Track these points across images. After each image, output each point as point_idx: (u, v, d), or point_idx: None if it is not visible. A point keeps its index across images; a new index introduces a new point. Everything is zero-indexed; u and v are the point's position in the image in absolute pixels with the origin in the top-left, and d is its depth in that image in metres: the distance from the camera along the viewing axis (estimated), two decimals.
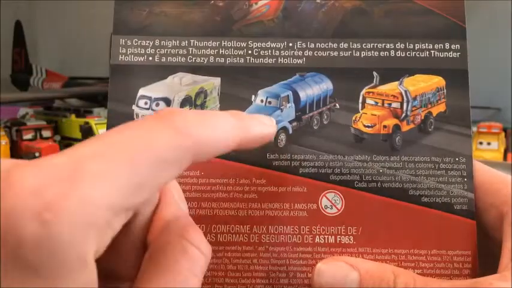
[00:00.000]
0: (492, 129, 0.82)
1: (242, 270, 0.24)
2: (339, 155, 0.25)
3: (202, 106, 0.26)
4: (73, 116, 0.79)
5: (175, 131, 0.16)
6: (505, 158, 0.81)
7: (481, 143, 0.82)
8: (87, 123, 0.77)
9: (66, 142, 0.78)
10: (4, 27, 1.15)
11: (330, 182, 0.25)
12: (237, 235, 0.24)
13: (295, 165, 0.25)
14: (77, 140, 0.78)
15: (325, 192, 0.25)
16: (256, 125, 0.21)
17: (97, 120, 0.78)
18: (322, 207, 0.25)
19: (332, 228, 0.25)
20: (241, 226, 0.24)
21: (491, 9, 1.01)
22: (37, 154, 0.73)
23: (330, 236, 0.25)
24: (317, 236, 0.24)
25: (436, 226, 0.24)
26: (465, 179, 0.25)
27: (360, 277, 0.22)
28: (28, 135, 0.76)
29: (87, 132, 0.77)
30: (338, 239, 0.25)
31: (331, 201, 0.25)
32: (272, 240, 0.24)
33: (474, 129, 0.83)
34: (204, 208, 0.25)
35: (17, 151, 0.74)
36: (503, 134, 0.82)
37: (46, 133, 0.77)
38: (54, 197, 0.12)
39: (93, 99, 0.96)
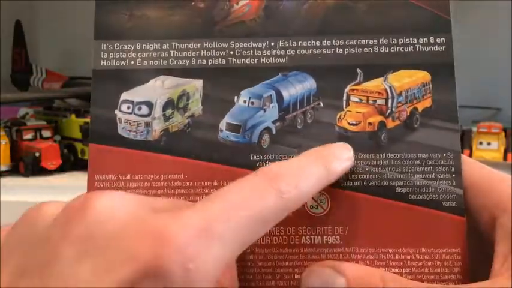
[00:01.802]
0: (492, 129, 0.82)
1: None
2: None
3: (185, 109, 0.25)
4: (73, 116, 0.79)
5: (281, 195, 0.19)
6: (505, 158, 0.81)
7: (481, 143, 0.82)
8: (87, 123, 0.77)
9: (66, 142, 0.78)
10: (4, 27, 1.15)
11: None
12: None
13: None
14: (77, 140, 0.78)
15: None
16: (339, 165, 0.23)
17: None
18: (307, 208, 0.24)
19: (318, 229, 0.24)
20: None
21: (491, 9, 1.01)
22: (37, 154, 0.73)
23: (316, 237, 0.24)
24: (303, 237, 0.24)
25: (424, 224, 0.24)
26: (453, 175, 0.24)
27: (347, 283, 0.22)
28: (28, 135, 0.75)
29: (87, 132, 0.77)
30: (325, 239, 0.24)
31: (317, 201, 0.24)
32: (258, 242, 0.23)
33: (474, 129, 0.83)
34: None
35: (17, 151, 0.74)
36: (503, 134, 0.82)
37: (46, 133, 0.77)
38: (195, 252, 0.17)
39: None
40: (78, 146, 0.78)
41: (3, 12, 1.11)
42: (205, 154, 0.25)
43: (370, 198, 0.24)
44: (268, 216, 0.19)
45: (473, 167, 0.25)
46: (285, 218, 0.23)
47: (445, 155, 0.25)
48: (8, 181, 0.71)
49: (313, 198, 0.24)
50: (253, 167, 0.24)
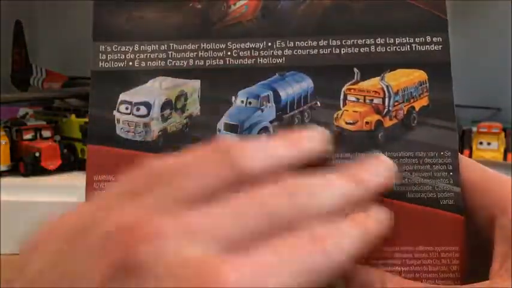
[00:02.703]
0: (492, 129, 0.82)
1: None
2: None
3: (183, 109, 0.25)
4: (73, 116, 0.79)
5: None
6: (505, 158, 0.81)
7: (481, 143, 0.82)
8: (87, 123, 0.77)
9: (66, 142, 0.78)
10: (4, 27, 1.15)
11: None
12: None
13: None
14: (77, 140, 0.78)
15: None
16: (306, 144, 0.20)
17: None
18: None
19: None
20: None
21: (492, 9, 1.01)
22: (37, 154, 0.73)
23: None
24: None
25: (422, 222, 0.24)
26: (451, 173, 0.24)
27: (346, 284, 0.22)
28: (28, 135, 0.75)
29: (87, 132, 0.77)
30: None
31: None
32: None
33: (474, 129, 0.83)
34: None
35: (17, 151, 0.74)
36: (503, 134, 0.82)
37: (46, 133, 0.77)
38: None
39: None
40: (78, 146, 0.78)
41: (3, 12, 1.11)
42: None
43: None
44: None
45: (472, 167, 0.25)
46: None
47: (442, 153, 0.25)
48: (8, 181, 0.71)
49: None
50: None
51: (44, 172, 0.74)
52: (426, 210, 0.24)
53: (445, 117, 0.25)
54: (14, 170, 0.74)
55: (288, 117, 0.26)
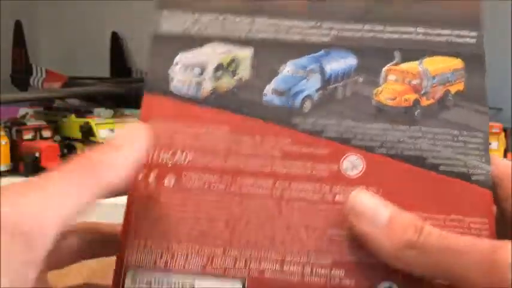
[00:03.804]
0: (492, 129, 0.82)
1: (263, 221, 0.25)
2: (361, 122, 0.27)
3: (234, 73, 0.28)
4: (73, 116, 0.79)
5: None
6: (505, 157, 0.81)
7: None
8: (87, 123, 0.77)
9: (66, 142, 0.78)
10: (4, 27, 1.15)
11: (352, 146, 0.26)
12: (261, 188, 0.26)
13: (319, 129, 0.27)
14: (77, 140, 0.78)
15: (347, 155, 0.26)
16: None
17: (97, 120, 0.78)
18: (343, 169, 0.26)
19: (352, 188, 0.26)
20: (265, 180, 0.26)
21: (492, 9, 1.01)
22: (37, 154, 0.73)
23: (350, 195, 0.26)
24: (337, 195, 0.26)
25: (454, 193, 0.26)
26: (482, 152, 0.26)
27: (390, 216, 0.23)
28: (28, 135, 0.76)
29: (87, 132, 0.77)
30: None
31: (353, 163, 0.26)
32: (294, 195, 0.26)
33: None
34: (230, 161, 0.26)
35: (17, 151, 0.74)
36: (503, 134, 0.82)
37: (46, 133, 0.77)
38: None
39: (93, 99, 0.96)
40: (78, 146, 0.78)
41: (3, 12, 1.11)
42: (250, 112, 0.27)
43: (404, 165, 0.26)
44: None
45: (501, 162, 0.26)
46: (321, 177, 0.26)
47: (474, 133, 0.26)
48: (8, 181, 0.71)
49: (348, 160, 0.26)
50: (295, 128, 0.27)
51: (44, 172, 0.74)
52: (458, 182, 0.26)
53: (478, 101, 0.27)
54: (14, 170, 0.74)
55: (331, 88, 0.28)
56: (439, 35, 0.28)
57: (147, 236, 0.26)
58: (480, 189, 0.25)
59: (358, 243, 0.25)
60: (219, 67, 0.28)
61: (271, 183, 0.26)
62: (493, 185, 0.25)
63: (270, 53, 0.28)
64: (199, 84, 0.28)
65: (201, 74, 0.28)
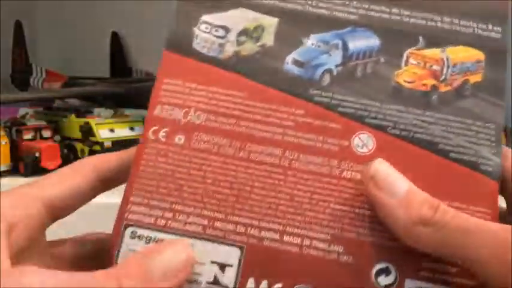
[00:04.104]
0: None
1: (268, 189, 0.26)
2: (377, 101, 0.27)
3: (258, 39, 0.28)
4: (73, 116, 0.79)
5: None
6: None
7: None
8: (87, 123, 0.77)
9: (66, 142, 0.78)
10: (4, 27, 1.15)
11: (365, 124, 0.27)
12: (269, 156, 0.26)
13: (334, 103, 0.27)
14: (77, 140, 0.78)
15: (359, 132, 0.27)
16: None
17: (97, 120, 0.78)
18: (353, 145, 0.26)
19: (360, 166, 0.26)
20: (274, 148, 0.26)
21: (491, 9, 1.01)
22: (37, 154, 0.73)
23: (357, 173, 0.26)
24: (345, 171, 0.26)
25: (461, 181, 0.26)
26: (493, 144, 0.26)
27: (408, 189, 0.23)
28: (28, 135, 0.75)
29: (87, 132, 0.77)
30: None
31: (363, 141, 0.27)
32: (302, 166, 0.26)
33: None
34: (242, 126, 0.27)
35: (17, 151, 0.74)
36: (503, 134, 0.82)
37: (46, 133, 0.77)
38: None
39: (93, 99, 0.96)
40: (78, 146, 0.78)
41: (3, 12, 1.11)
42: (269, 79, 0.27)
43: (414, 148, 0.26)
44: None
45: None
46: (330, 150, 0.26)
47: (487, 124, 0.27)
48: (8, 181, 0.71)
49: (360, 137, 0.26)
50: (310, 99, 0.27)
51: (44, 172, 0.74)
52: (466, 171, 0.26)
53: (496, 94, 0.27)
54: (14, 170, 0.74)
55: (352, 65, 0.28)
56: (465, 26, 0.28)
57: (151, 193, 0.26)
58: (487, 180, 0.26)
59: (359, 221, 0.25)
60: (243, 32, 0.28)
61: (281, 152, 0.26)
62: (505, 179, 0.26)
63: (296, 24, 0.28)
64: (221, 46, 0.28)
65: (225, 36, 0.28)
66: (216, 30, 0.28)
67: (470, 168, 0.26)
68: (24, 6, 1.19)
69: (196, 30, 0.28)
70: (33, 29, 1.20)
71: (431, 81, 0.28)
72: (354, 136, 0.26)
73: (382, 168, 0.24)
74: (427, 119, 0.27)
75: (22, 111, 0.93)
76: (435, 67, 0.28)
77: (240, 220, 0.25)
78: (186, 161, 0.26)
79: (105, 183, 0.27)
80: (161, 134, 0.27)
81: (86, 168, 0.27)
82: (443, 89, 0.28)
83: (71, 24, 1.21)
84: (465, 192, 0.26)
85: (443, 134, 0.26)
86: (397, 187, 0.23)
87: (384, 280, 0.24)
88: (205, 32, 0.28)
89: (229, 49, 0.28)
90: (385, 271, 0.25)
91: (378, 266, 0.25)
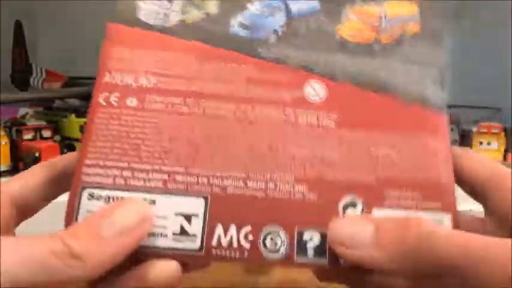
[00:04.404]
0: (492, 129, 0.82)
1: (226, 140, 0.26)
2: (324, 53, 0.28)
3: (202, 7, 0.29)
4: (73, 116, 0.79)
5: None
6: (505, 158, 0.81)
7: (481, 143, 0.82)
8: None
9: (66, 142, 0.78)
10: (4, 27, 1.15)
11: (315, 73, 0.28)
12: (223, 110, 0.27)
13: (283, 58, 0.28)
14: (77, 140, 0.78)
15: (310, 81, 0.28)
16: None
17: None
18: (306, 94, 0.28)
19: (314, 112, 0.27)
20: (229, 103, 0.27)
21: (492, 9, 1.01)
22: (37, 154, 0.73)
23: (312, 118, 0.27)
24: (300, 117, 0.27)
25: (411, 115, 0.28)
26: (438, 85, 0.28)
27: (375, 230, 0.23)
28: (28, 135, 0.75)
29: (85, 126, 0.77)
30: (320, 121, 0.27)
31: (315, 89, 0.28)
32: (257, 117, 0.27)
33: (474, 129, 0.83)
34: (194, 85, 0.27)
35: (17, 151, 0.74)
36: (503, 134, 0.82)
37: (46, 133, 0.77)
38: None
39: None
40: (78, 146, 0.78)
41: (3, 12, 1.11)
42: (217, 41, 0.28)
43: (363, 92, 0.28)
44: None
45: (483, 163, 0.27)
46: (284, 101, 0.27)
47: (431, 69, 0.29)
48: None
49: (311, 86, 0.28)
50: (259, 56, 0.28)
51: None
52: (415, 107, 0.28)
53: (435, 41, 0.29)
54: (14, 170, 0.74)
55: (295, 23, 0.30)
56: None
57: (106, 154, 0.26)
58: (436, 113, 0.28)
59: (319, 161, 0.26)
60: (187, 1, 0.29)
61: (235, 106, 0.27)
62: (474, 183, 0.26)
63: None
64: (166, 15, 0.29)
65: (169, 7, 0.29)
66: (160, 0, 0.29)
67: (419, 104, 0.28)
68: (24, 6, 1.19)
69: (140, 3, 0.29)
70: (33, 29, 1.20)
71: (372, 34, 0.30)
72: (305, 85, 0.28)
73: (337, 228, 0.24)
74: (373, 65, 0.28)
75: (22, 111, 0.93)
76: (374, 22, 0.30)
77: (201, 172, 0.25)
78: (140, 121, 0.26)
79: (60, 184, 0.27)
80: (112, 98, 0.27)
81: (39, 168, 0.27)
82: (384, 40, 0.30)
83: (71, 24, 1.21)
84: (417, 125, 0.27)
85: (389, 78, 0.28)
86: (360, 235, 0.23)
87: (352, 212, 0.25)
88: (149, 2, 0.29)
89: (174, 18, 0.29)
90: (352, 204, 0.26)
91: (344, 200, 0.26)
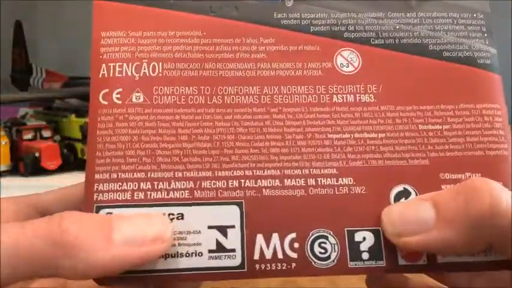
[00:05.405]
0: None
1: (254, 132, 0.22)
2: (352, 13, 0.24)
3: None
4: (73, 116, 0.79)
5: None
6: None
7: None
8: (87, 123, 0.77)
9: (66, 142, 0.78)
10: (4, 27, 1.15)
11: (344, 40, 0.24)
12: (246, 96, 0.23)
13: (305, 24, 0.24)
14: (77, 140, 0.78)
15: (340, 50, 0.24)
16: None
17: None
18: (337, 66, 0.24)
19: (350, 87, 0.24)
20: (250, 87, 0.23)
21: (491, 9, 1.01)
22: (37, 154, 0.73)
23: (348, 95, 0.23)
24: (334, 96, 0.23)
25: (461, 80, 0.24)
26: (485, 34, 0.25)
27: (435, 209, 0.20)
28: (28, 135, 0.75)
29: (87, 132, 0.77)
30: (357, 97, 0.24)
31: (347, 59, 0.24)
32: (285, 100, 0.23)
33: None
34: (207, 69, 0.23)
35: (17, 151, 0.74)
36: (509, 126, 0.82)
37: (46, 133, 0.77)
38: None
39: None
40: (78, 146, 0.78)
41: (3, 12, 1.11)
42: (225, 11, 0.24)
43: (403, 56, 0.24)
44: None
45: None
46: (313, 77, 0.23)
47: (475, 15, 0.25)
48: (8, 181, 0.71)
49: (342, 56, 0.24)
50: (277, 24, 0.24)
51: (44, 172, 0.74)
52: (463, 68, 0.24)
53: None
54: (14, 170, 0.74)
55: None
56: None
57: (119, 165, 0.22)
58: (488, 74, 0.24)
59: (363, 147, 0.23)
60: None
61: (258, 90, 0.23)
62: None
63: None
64: None
65: None
66: None
67: (468, 65, 0.24)
68: (24, 6, 1.19)
69: None
70: (33, 29, 1.20)
71: None
72: (335, 55, 0.24)
73: (393, 213, 0.21)
74: (410, 21, 0.24)
75: (22, 111, 0.93)
76: None
77: (231, 174, 0.22)
78: (151, 121, 0.22)
79: None
80: (115, 96, 0.23)
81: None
82: None
83: (71, 24, 1.21)
84: (467, 91, 0.23)
85: (430, 34, 0.24)
86: (423, 219, 0.20)
87: None
88: None
89: None
90: (404, 193, 0.22)
91: (395, 190, 0.22)
